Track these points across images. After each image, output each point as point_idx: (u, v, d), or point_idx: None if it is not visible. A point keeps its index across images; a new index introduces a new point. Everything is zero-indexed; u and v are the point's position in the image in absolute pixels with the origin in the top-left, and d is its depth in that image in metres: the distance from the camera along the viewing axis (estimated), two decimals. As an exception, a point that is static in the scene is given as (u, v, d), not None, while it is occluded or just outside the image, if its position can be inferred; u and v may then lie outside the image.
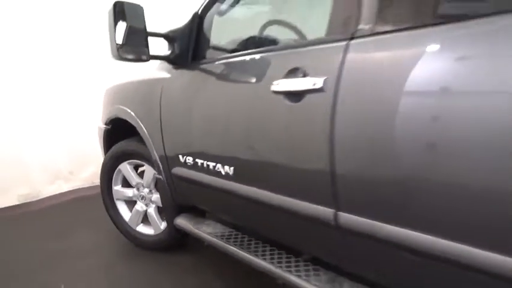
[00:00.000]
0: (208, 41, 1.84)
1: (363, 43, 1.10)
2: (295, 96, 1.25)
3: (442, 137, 0.90)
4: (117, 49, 1.51)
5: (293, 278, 1.42)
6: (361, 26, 1.11)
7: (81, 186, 3.75)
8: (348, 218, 1.17)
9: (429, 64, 0.93)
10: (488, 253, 0.86)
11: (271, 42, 1.76)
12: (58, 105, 3.56)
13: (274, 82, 1.32)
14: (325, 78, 1.16)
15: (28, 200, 3.46)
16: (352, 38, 1.13)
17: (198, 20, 1.80)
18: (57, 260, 2.41)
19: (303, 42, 1.54)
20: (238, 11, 1.81)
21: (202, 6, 1.80)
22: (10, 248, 2.63)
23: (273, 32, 1.81)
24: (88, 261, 2.39)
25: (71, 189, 3.71)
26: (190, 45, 1.81)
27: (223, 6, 1.81)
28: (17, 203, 3.43)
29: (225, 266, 2.15)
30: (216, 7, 1.80)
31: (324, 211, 1.22)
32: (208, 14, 1.81)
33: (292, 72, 1.27)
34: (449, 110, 0.89)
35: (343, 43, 1.14)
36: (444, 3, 1.00)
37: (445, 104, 0.89)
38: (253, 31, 1.84)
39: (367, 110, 1.06)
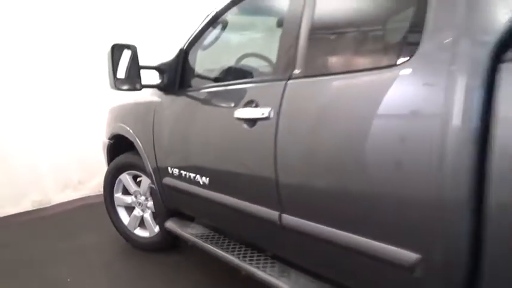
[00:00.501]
0: (193, 71, 2.20)
1: (296, 83, 1.44)
2: (251, 122, 1.58)
3: (346, 152, 1.23)
4: (114, 82, 1.87)
5: (253, 269, 1.73)
6: (295, 71, 1.45)
7: (88, 195, 4.11)
8: (289, 219, 1.49)
9: (337, 99, 1.26)
10: (380, 244, 1.17)
11: (239, 74, 2.10)
12: (70, 121, 3.95)
13: (236, 110, 1.65)
14: (270, 109, 1.49)
15: (40, 206, 3.84)
16: (289, 79, 1.46)
17: (183, 55, 2.16)
18: (64, 258, 2.76)
19: (257, 79, 1.87)
20: (217, 46, 2.16)
21: (187, 43, 2.16)
22: (24, 247, 2.99)
23: (243, 65, 2.15)
24: (91, 259, 2.73)
25: (79, 197, 4.08)
26: (177, 76, 2.16)
27: (205, 42, 2.17)
28: (31, 208, 3.81)
29: (211, 265, 2.46)
30: (198, 43, 2.15)
31: (271, 213, 1.54)
32: (192, 49, 2.17)
33: (249, 103, 1.61)
34: (343, 131, 1.22)
35: (283, 82, 1.47)
36: (345, 60, 1.33)
37: (349, 128, 1.22)
38: (229, 63, 2.18)
39: (299, 132, 1.39)
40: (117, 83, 1.90)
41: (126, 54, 1.92)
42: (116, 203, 2.89)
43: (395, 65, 1.12)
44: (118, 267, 2.62)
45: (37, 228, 3.40)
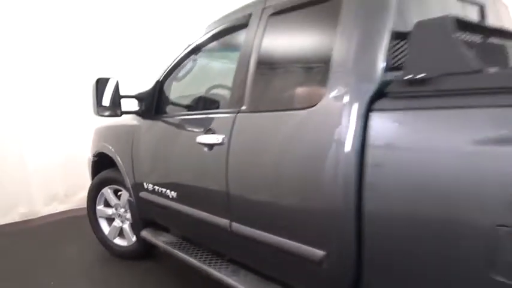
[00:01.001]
0: (167, 100, 2.55)
1: (243, 116, 1.79)
2: (209, 146, 1.93)
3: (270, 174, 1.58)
4: (97, 109, 2.22)
5: (211, 270, 2.05)
6: (243, 107, 1.81)
7: (73, 208, 4.37)
8: (237, 226, 1.82)
9: (270, 130, 1.62)
10: (300, 244, 1.51)
11: (204, 105, 2.46)
12: (58, 138, 4.25)
13: (199, 136, 2.00)
14: (224, 136, 1.84)
15: (27, 218, 4.10)
16: (238, 113, 1.82)
17: (159, 85, 2.51)
18: (48, 264, 3.03)
19: (216, 111, 2.20)
20: (188, 79, 2.52)
21: (162, 76, 2.52)
22: (12, 256, 3.25)
23: (208, 96, 2.51)
24: (73, 266, 3.01)
25: (65, 209, 4.35)
26: (153, 103, 2.51)
27: (178, 75, 2.53)
28: (18, 220, 4.06)
29: (183, 271, 2.76)
30: (172, 76, 2.51)
31: (224, 221, 1.88)
32: (167, 81, 2.52)
33: (209, 131, 1.96)
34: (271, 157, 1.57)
35: (234, 115, 1.83)
36: (276, 101, 1.70)
37: (275, 152, 1.58)
38: (197, 94, 2.54)
39: (243, 156, 1.74)
40: (99, 111, 2.25)
41: (108, 87, 2.26)
42: (98, 215, 3.18)
43: (309, 106, 1.49)
44: (97, 273, 2.90)
45: (23, 239, 3.66)
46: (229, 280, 1.91)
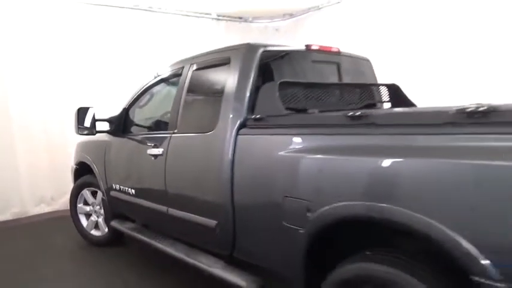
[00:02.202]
0: (131, 122, 3.42)
1: (175, 137, 2.68)
2: (155, 156, 2.81)
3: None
4: (77, 130, 3.10)
5: (157, 244, 2.90)
6: (176, 130, 2.70)
7: (58, 209, 5.18)
8: (173, 211, 2.70)
9: (187, 147, 2.52)
10: (202, 218, 2.39)
11: (155, 127, 3.31)
12: (46, 152, 5.08)
13: (148, 149, 2.88)
14: (163, 149, 2.73)
15: (19, 217, 4.90)
16: (173, 133, 2.71)
17: (125, 112, 3.39)
18: (39, 251, 3.84)
19: (161, 132, 3.01)
20: (146, 107, 3.41)
21: (128, 104, 3.39)
22: (9, 245, 4.05)
23: (157, 121, 3.35)
24: (59, 252, 3.83)
25: (51, 210, 5.16)
26: (121, 125, 3.38)
27: (139, 105, 3.41)
28: (10, 218, 4.86)
29: (144, 252, 3.60)
30: (134, 105, 3.39)
31: (163, 208, 2.75)
32: (132, 107, 3.40)
33: (155, 146, 2.84)
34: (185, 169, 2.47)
35: (170, 135, 2.72)
36: (192, 126, 2.60)
37: (187, 162, 2.47)
38: (151, 119, 3.39)
39: (173, 164, 2.62)
40: (80, 131, 3.14)
41: (87, 114, 3.15)
42: (78, 211, 4.02)
43: (210, 130, 2.38)
44: (78, 257, 3.74)
45: (15, 234, 4.47)
46: (168, 249, 2.78)
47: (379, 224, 1.53)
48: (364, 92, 2.92)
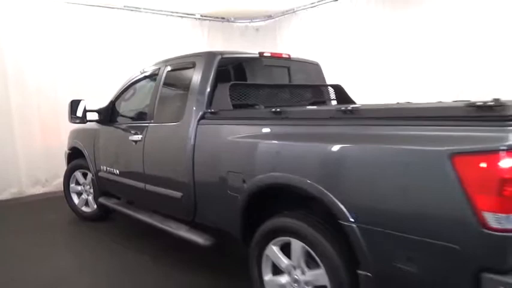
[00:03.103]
0: (117, 113, 3.99)
1: (151, 125, 3.26)
2: (135, 142, 3.38)
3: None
4: (71, 119, 3.66)
5: (138, 216, 3.49)
6: (152, 120, 3.28)
7: (52, 190, 5.74)
8: (149, 187, 3.28)
9: (161, 134, 3.10)
10: (171, 191, 2.98)
11: (137, 117, 3.87)
12: (42, 138, 5.63)
13: (130, 136, 3.45)
14: (142, 136, 3.30)
15: (17, 196, 5.46)
16: (149, 123, 3.29)
17: (112, 104, 3.95)
18: (36, 225, 4.41)
19: (141, 121, 3.57)
20: (130, 100, 3.97)
21: (114, 97, 3.96)
22: (9, 221, 4.62)
23: (139, 112, 3.91)
24: (54, 226, 4.41)
25: (46, 191, 5.72)
26: (108, 115, 3.94)
27: (125, 97, 3.97)
28: (10, 197, 5.42)
29: (129, 226, 4.19)
30: (120, 98, 3.95)
31: (141, 184, 3.33)
32: (118, 99, 3.96)
33: (136, 133, 3.41)
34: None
35: (148, 124, 3.30)
36: (165, 117, 3.19)
37: (162, 146, 3.06)
38: (134, 110, 3.96)
39: (150, 147, 3.20)
40: (72, 120, 3.70)
41: (79, 106, 3.71)
42: (71, 191, 4.59)
43: (178, 120, 2.96)
44: (71, 230, 4.33)
45: (15, 211, 5.03)
46: (146, 219, 3.37)
47: (292, 191, 2.12)
48: (313, 91, 3.53)
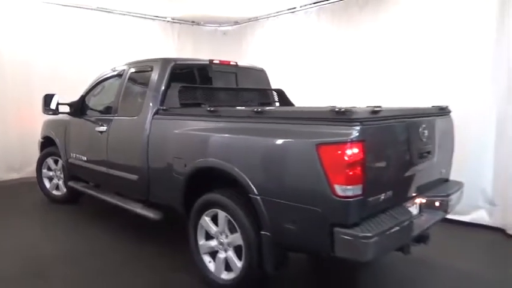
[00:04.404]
0: (87, 106, 4.49)
1: (115, 119, 3.80)
2: (101, 132, 3.91)
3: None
4: (44, 110, 4.16)
5: (103, 196, 4.02)
6: (116, 113, 3.81)
7: (26, 176, 6.14)
8: (111, 171, 3.82)
9: (122, 126, 3.65)
10: (128, 174, 3.53)
11: (104, 110, 4.38)
12: (17, 127, 6.04)
13: (97, 127, 3.97)
14: (106, 127, 3.83)
15: (-8, 181, 5.89)
16: (114, 116, 3.82)
17: (82, 98, 4.45)
18: (11, 207, 4.87)
19: (107, 114, 4.08)
20: (99, 95, 4.48)
21: (85, 92, 4.46)
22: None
23: (106, 106, 4.44)
24: (27, 207, 4.87)
25: (19, 177, 6.14)
26: (78, 108, 4.44)
27: (94, 93, 4.48)
28: (-14, 183, 5.84)
29: (96, 208, 4.69)
30: (90, 93, 4.46)
31: (105, 169, 3.87)
32: (88, 94, 4.46)
33: (101, 125, 3.93)
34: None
35: (112, 117, 3.83)
36: (127, 111, 3.74)
37: (122, 137, 3.61)
38: (102, 105, 4.47)
39: (113, 137, 3.74)
40: (46, 111, 4.20)
41: (52, 99, 4.20)
42: (43, 176, 5.06)
43: (137, 115, 3.51)
44: (43, 211, 4.82)
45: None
46: (109, 199, 3.90)
47: (219, 173, 2.71)
48: (258, 94, 4.15)
